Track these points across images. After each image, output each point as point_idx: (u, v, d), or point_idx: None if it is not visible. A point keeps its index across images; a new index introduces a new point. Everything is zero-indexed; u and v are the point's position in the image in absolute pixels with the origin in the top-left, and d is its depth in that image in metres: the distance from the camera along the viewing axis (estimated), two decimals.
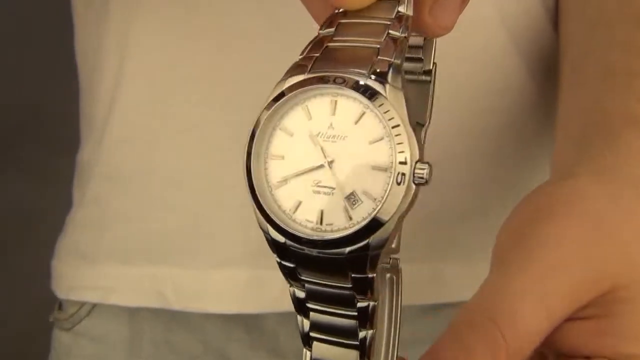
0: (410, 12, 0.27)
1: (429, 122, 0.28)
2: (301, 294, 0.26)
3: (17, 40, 1.55)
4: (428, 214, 0.50)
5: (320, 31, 0.27)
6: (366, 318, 0.26)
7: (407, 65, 0.28)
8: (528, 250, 0.30)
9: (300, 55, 0.27)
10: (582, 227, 0.30)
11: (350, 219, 0.24)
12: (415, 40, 0.29)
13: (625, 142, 0.34)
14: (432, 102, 0.28)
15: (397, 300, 0.28)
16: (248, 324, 0.52)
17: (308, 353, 0.27)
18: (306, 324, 0.27)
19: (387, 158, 0.24)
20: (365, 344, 0.26)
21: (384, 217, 0.24)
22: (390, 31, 0.26)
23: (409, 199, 0.24)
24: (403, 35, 0.26)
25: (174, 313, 0.52)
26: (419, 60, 0.29)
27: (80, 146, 0.57)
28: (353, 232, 0.24)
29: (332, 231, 0.25)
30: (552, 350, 0.31)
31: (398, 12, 0.27)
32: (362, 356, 0.26)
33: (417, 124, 0.25)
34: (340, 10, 0.27)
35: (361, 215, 0.24)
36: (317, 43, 0.27)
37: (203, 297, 0.51)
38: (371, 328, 0.26)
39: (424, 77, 0.28)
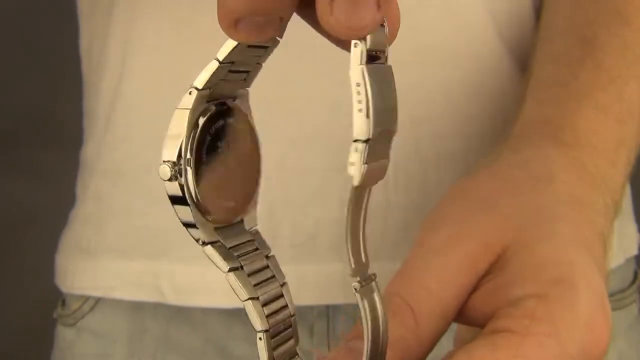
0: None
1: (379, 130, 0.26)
2: None
3: (17, 40, 1.55)
4: (425, 213, 0.50)
5: None
6: None
7: None
8: (430, 232, 0.34)
9: None
10: (470, 207, 0.35)
11: None
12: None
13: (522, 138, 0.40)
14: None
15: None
16: (248, 319, 0.53)
17: None
18: None
19: None
20: None
21: None
22: None
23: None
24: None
25: (175, 309, 0.53)
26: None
27: (83, 143, 0.58)
28: None
29: None
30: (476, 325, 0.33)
31: None
32: None
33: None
34: None
35: None
36: None
37: (199, 292, 0.52)
38: None
39: None
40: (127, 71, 0.52)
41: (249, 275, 0.28)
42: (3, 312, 1.51)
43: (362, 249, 0.28)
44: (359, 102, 0.25)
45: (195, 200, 0.27)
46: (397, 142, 0.50)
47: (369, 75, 0.25)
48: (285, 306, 0.29)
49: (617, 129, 0.41)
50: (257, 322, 0.28)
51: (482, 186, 0.36)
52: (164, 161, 0.27)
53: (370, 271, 0.28)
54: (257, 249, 0.29)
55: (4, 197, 1.55)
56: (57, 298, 0.59)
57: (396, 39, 0.26)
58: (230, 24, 0.23)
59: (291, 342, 0.29)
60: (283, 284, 0.29)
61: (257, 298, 0.28)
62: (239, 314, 0.52)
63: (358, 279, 0.28)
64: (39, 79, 1.54)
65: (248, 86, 0.29)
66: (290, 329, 0.29)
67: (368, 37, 0.25)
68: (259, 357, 0.29)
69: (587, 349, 0.30)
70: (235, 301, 0.51)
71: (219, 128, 0.28)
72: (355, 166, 0.25)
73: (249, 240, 0.29)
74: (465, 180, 0.37)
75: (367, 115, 0.25)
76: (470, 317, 0.33)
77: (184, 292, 0.52)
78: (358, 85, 0.25)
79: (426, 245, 0.34)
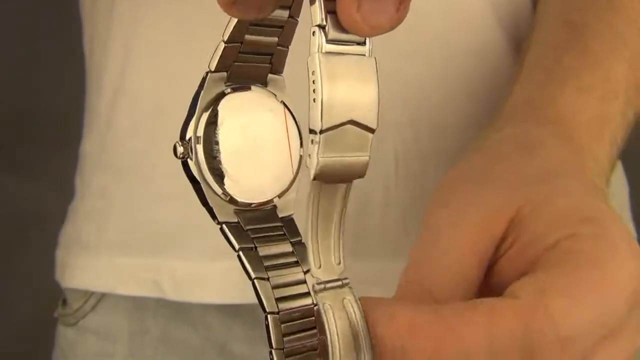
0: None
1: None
2: None
3: (16, 41, 1.55)
4: (422, 209, 0.50)
5: None
6: None
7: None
8: (433, 215, 0.34)
9: None
10: (469, 185, 0.35)
11: None
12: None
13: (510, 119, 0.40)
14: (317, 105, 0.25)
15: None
16: (249, 318, 0.53)
17: None
18: None
19: None
20: None
21: None
22: None
23: None
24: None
25: (176, 308, 0.53)
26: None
27: (83, 137, 0.58)
28: None
29: None
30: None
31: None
32: None
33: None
34: None
35: None
36: None
37: (199, 288, 0.52)
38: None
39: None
40: (129, 67, 0.53)
41: (264, 257, 0.27)
42: (6, 311, 1.51)
43: (335, 249, 0.27)
44: (314, 91, 0.24)
45: (206, 178, 0.27)
46: (397, 137, 0.51)
47: (325, 63, 0.24)
48: (306, 293, 0.27)
49: (600, 107, 0.41)
50: (264, 303, 0.27)
51: (474, 166, 0.36)
52: (179, 139, 0.28)
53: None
54: (283, 235, 0.28)
55: (7, 196, 1.55)
56: (58, 298, 0.59)
57: (396, 31, 0.26)
58: (228, 2, 0.24)
59: (312, 332, 0.27)
60: (307, 271, 0.28)
61: (267, 279, 0.27)
62: (239, 314, 0.53)
63: (321, 279, 0.26)
64: (38, 79, 1.54)
65: (278, 71, 0.28)
66: (311, 319, 0.27)
67: (329, 26, 0.24)
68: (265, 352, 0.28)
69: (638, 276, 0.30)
70: (236, 297, 0.51)
71: (237, 110, 0.27)
72: (310, 158, 0.25)
73: (275, 226, 0.28)
74: (455, 168, 0.37)
75: (320, 106, 0.24)
76: (500, 282, 0.32)
77: (184, 287, 0.52)
78: (313, 73, 0.24)
79: (432, 226, 0.33)
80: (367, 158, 0.25)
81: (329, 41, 0.24)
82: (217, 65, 0.27)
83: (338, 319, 0.27)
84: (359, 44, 0.25)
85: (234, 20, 0.26)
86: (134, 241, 0.53)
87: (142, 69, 0.52)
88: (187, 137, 0.27)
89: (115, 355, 0.55)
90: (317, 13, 0.24)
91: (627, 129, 0.43)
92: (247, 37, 0.26)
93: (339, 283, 0.27)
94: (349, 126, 0.25)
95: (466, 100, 0.51)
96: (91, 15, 0.57)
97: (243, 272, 0.55)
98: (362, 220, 0.49)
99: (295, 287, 0.27)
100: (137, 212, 0.53)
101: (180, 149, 0.27)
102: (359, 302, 0.27)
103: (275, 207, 0.28)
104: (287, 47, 0.28)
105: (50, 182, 1.30)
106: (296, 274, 0.27)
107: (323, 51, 0.24)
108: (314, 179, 0.25)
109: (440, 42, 0.50)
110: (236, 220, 0.28)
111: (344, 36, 0.25)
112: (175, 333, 0.54)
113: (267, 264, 0.27)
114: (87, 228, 0.56)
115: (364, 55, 0.25)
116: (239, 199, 0.27)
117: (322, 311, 0.26)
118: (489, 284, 0.32)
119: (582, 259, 0.29)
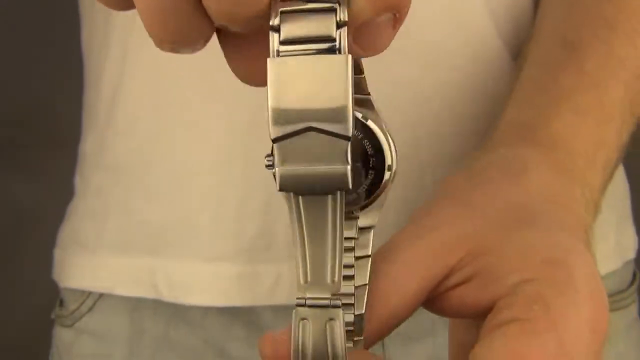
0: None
1: None
2: None
3: (16, 40, 1.55)
4: None
5: None
6: None
7: None
8: (410, 222, 0.34)
9: None
10: (452, 198, 0.35)
11: None
12: None
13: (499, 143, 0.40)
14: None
15: None
16: (248, 320, 0.53)
17: None
18: None
19: None
20: None
21: None
22: None
23: None
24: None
25: (174, 309, 0.53)
26: None
27: (82, 137, 0.58)
28: None
29: None
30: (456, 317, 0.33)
31: None
32: None
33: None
34: None
35: None
36: None
37: (194, 291, 0.52)
38: None
39: None
40: (128, 66, 0.52)
41: None
42: (3, 311, 1.51)
43: (330, 266, 0.25)
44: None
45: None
46: (395, 143, 0.51)
47: (273, 67, 0.22)
48: (349, 304, 0.27)
49: (595, 131, 0.41)
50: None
51: (459, 186, 0.36)
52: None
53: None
54: (350, 247, 0.27)
55: (4, 195, 1.55)
56: (56, 299, 0.59)
57: (395, 39, 0.25)
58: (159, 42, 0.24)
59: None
60: (360, 286, 0.27)
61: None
62: (238, 315, 0.52)
63: (307, 295, 0.24)
64: (38, 79, 1.54)
65: (363, 92, 0.27)
66: (350, 328, 0.27)
67: (282, 28, 0.22)
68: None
69: (594, 325, 0.30)
70: (230, 300, 0.51)
71: None
72: (274, 169, 0.23)
73: (347, 238, 0.27)
74: (443, 183, 0.37)
75: (268, 113, 0.22)
76: (460, 310, 0.32)
77: (179, 289, 0.52)
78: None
79: (397, 235, 0.33)
80: (344, 168, 0.23)
81: (284, 42, 0.22)
82: None
83: (312, 340, 0.25)
84: (326, 40, 0.22)
85: None
86: (132, 241, 0.53)
87: (141, 68, 0.52)
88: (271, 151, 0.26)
89: (113, 356, 0.55)
90: (270, 13, 0.22)
91: (622, 150, 0.43)
92: None
93: (326, 302, 0.25)
94: (310, 133, 0.22)
95: (465, 107, 0.51)
96: (90, 13, 0.56)
97: (238, 275, 0.55)
98: None
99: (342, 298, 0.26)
100: (134, 212, 0.53)
101: (266, 160, 0.26)
102: (342, 327, 0.25)
103: (356, 218, 0.28)
104: (361, 75, 0.27)
105: (49, 181, 1.29)
106: (347, 287, 0.27)
107: (277, 54, 0.22)
108: (280, 190, 0.23)
109: (439, 50, 0.50)
110: None
111: (303, 34, 0.22)
112: (173, 334, 0.54)
113: None
114: (85, 227, 0.56)
115: (335, 53, 0.22)
116: None
117: (292, 329, 0.24)
118: (440, 305, 0.33)
119: (536, 309, 0.29)
